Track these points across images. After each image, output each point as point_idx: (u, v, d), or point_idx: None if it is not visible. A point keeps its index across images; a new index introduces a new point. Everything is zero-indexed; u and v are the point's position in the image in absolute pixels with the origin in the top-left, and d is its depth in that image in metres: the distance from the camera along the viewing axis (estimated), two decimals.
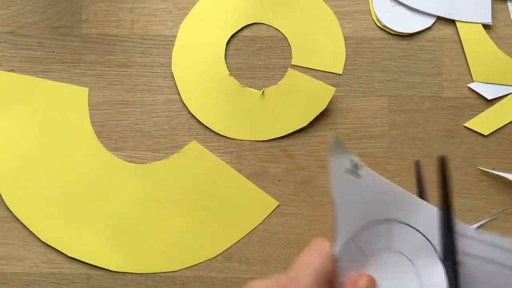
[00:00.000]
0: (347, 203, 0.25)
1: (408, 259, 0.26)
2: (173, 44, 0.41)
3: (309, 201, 0.40)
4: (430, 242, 0.26)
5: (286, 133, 0.40)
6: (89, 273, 0.39)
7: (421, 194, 0.28)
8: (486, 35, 0.41)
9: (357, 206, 0.25)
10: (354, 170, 0.25)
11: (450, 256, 0.25)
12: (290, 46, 0.41)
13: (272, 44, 0.41)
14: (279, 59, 0.41)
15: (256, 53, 0.41)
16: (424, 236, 0.26)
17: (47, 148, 0.40)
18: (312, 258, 0.24)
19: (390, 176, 0.39)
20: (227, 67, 0.41)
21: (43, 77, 0.41)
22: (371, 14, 0.42)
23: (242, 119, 0.40)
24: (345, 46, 0.41)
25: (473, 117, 0.40)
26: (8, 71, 0.41)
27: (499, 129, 0.40)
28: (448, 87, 0.41)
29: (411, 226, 0.26)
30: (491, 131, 0.40)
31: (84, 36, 0.42)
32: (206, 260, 0.39)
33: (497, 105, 0.41)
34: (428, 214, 0.26)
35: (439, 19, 0.42)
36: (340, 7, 0.42)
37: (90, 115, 0.41)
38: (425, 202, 0.26)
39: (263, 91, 0.41)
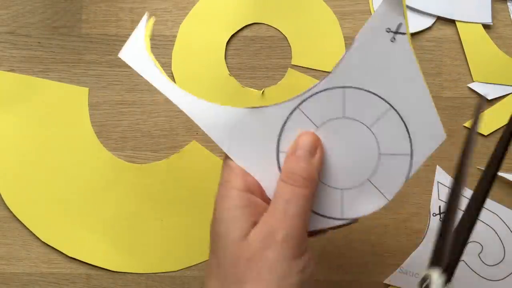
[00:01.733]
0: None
1: (365, 125, 0.25)
2: (173, 44, 0.41)
3: None
4: (394, 108, 0.25)
5: None
6: (89, 273, 0.39)
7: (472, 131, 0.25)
8: (486, 35, 0.41)
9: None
10: (395, 32, 0.24)
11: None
12: (290, 46, 0.41)
13: (272, 44, 0.41)
14: (279, 59, 0.41)
15: (256, 53, 0.41)
16: (386, 101, 0.25)
17: (47, 148, 0.40)
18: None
19: None
20: (227, 67, 0.41)
21: (43, 77, 0.41)
22: (371, 14, 0.42)
23: None
24: (345, 46, 0.41)
25: (473, 117, 0.40)
26: (8, 71, 0.41)
27: (499, 129, 0.40)
28: (448, 87, 0.41)
29: (369, 91, 0.25)
30: (491, 131, 0.40)
31: (84, 36, 0.42)
32: (206, 260, 0.39)
33: (497, 105, 0.41)
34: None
35: (439, 19, 0.42)
36: (340, 7, 0.42)
37: (90, 115, 0.41)
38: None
39: (263, 91, 0.41)
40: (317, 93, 0.25)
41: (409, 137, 0.25)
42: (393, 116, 0.25)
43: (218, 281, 0.23)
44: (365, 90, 0.25)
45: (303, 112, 0.25)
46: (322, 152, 0.25)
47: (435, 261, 0.23)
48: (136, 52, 0.26)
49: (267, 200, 0.25)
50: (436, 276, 0.23)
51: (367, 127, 0.25)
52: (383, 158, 0.25)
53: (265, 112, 0.25)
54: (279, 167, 0.25)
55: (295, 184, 0.23)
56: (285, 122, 0.25)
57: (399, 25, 0.24)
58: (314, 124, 0.25)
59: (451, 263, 0.23)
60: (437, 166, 0.40)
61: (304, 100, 0.25)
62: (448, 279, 0.23)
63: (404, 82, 0.25)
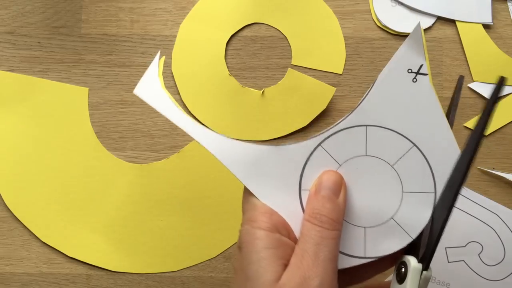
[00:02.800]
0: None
1: (388, 163, 0.25)
2: (173, 44, 0.41)
3: None
4: (417, 146, 0.25)
5: (286, 133, 0.40)
6: (89, 273, 0.39)
7: (449, 109, 0.26)
8: (486, 35, 0.41)
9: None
10: (416, 73, 0.25)
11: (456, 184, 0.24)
12: (290, 46, 0.41)
13: (272, 44, 0.41)
14: (279, 59, 0.41)
15: (256, 53, 0.41)
16: (409, 139, 0.25)
17: (47, 148, 0.40)
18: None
19: None
20: (227, 67, 0.41)
21: (43, 77, 0.41)
22: (371, 14, 0.42)
23: (242, 119, 0.40)
24: (345, 46, 0.41)
25: (473, 117, 0.40)
26: (8, 71, 0.41)
27: (499, 129, 0.40)
28: (448, 87, 0.41)
29: (391, 129, 0.25)
30: (491, 131, 0.40)
31: (84, 36, 0.42)
32: (206, 260, 0.39)
33: (497, 105, 0.40)
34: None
35: (439, 19, 0.42)
36: (340, 7, 0.42)
37: (90, 115, 0.41)
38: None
39: (263, 91, 0.41)
40: (339, 131, 0.25)
41: (432, 175, 0.25)
42: (416, 154, 0.25)
43: None
44: (388, 129, 0.25)
45: (325, 150, 0.25)
46: (346, 191, 0.25)
47: (412, 249, 0.24)
48: (151, 89, 0.26)
49: (294, 239, 0.25)
50: (414, 262, 0.23)
51: (390, 165, 0.25)
52: (406, 196, 0.25)
53: (287, 150, 0.25)
54: (301, 205, 0.25)
55: (323, 226, 0.23)
56: (307, 160, 0.25)
57: (421, 66, 0.25)
58: (337, 162, 0.25)
59: (428, 251, 0.23)
60: None
61: (326, 138, 0.25)
62: (425, 267, 0.23)
63: (426, 121, 0.25)
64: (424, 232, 0.24)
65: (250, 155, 0.25)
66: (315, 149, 0.25)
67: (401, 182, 0.25)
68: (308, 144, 0.25)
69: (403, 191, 0.25)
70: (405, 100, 0.25)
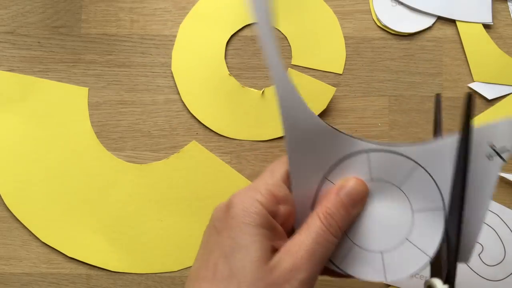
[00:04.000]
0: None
1: (395, 185, 0.25)
2: (173, 44, 0.41)
3: None
4: (419, 164, 0.25)
5: None
6: (89, 273, 0.39)
7: (436, 126, 0.27)
8: (487, 35, 0.41)
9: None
10: (497, 152, 0.25)
11: (459, 182, 0.24)
12: (290, 46, 0.41)
13: None
14: None
15: (256, 53, 0.41)
16: (411, 159, 0.25)
17: (47, 148, 0.40)
18: (281, 164, 0.25)
19: None
20: (227, 67, 0.41)
21: (42, 77, 0.41)
22: (371, 14, 0.42)
23: (242, 119, 0.40)
24: (345, 46, 0.41)
25: (473, 117, 0.40)
26: (8, 71, 0.41)
27: None
28: (448, 87, 0.41)
29: (391, 151, 0.25)
30: None
31: (83, 36, 0.42)
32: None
33: (497, 105, 0.41)
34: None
35: (440, 19, 0.42)
36: (340, 7, 0.42)
37: (90, 115, 0.41)
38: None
39: (263, 91, 0.41)
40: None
41: (439, 191, 0.25)
42: (421, 173, 0.25)
43: None
44: (388, 151, 0.25)
45: (369, 159, 0.25)
46: (362, 208, 0.25)
47: (437, 271, 0.24)
48: (261, 4, 0.25)
49: (284, 226, 0.25)
50: (440, 285, 0.23)
51: (398, 187, 0.25)
52: (406, 244, 0.25)
53: (340, 138, 0.25)
54: (316, 191, 0.25)
55: (330, 230, 0.23)
56: (348, 156, 0.25)
57: (503, 149, 0.25)
58: (370, 176, 0.25)
59: (451, 271, 0.24)
60: None
61: (376, 151, 0.25)
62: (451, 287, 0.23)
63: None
64: (442, 249, 0.24)
65: (308, 124, 0.25)
66: (362, 152, 0.25)
67: (409, 201, 0.25)
68: (360, 144, 0.25)
69: (412, 210, 0.25)
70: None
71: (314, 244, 0.23)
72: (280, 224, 0.24)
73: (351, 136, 0.25)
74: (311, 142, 0.25)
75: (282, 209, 0.24)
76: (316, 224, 0.23)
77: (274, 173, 0.25)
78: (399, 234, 0.25)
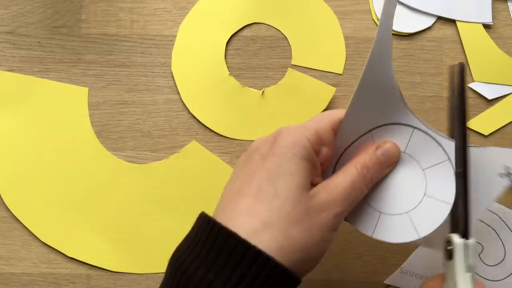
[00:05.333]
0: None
1: (420, 166, 0.28)
2: (173, 44, 0.41)
3: None
4: (449, 158, 0.27)
5: None
6: (89, 273, 0.39)
7: (462, 98, 0.28)
8: (487, 35, 0.41)
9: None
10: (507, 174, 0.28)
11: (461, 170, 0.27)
12: (290, 46, 0.41)
13: (272, 44, 0.41)
14: (279, 59, 0.41)
15: (256, 53, 0.41)
16: (444, 150, 0.27)
17: (46, 148, 0.40)
18: (332, 112, 0.28)
19: None
20: (227, 67, 0.41)
21: (42, 77, 0.41)
22: (371, 14, 0.42)
23: (242, 119, 0.40)
24: (345, 46, 0.41)
25: (473, 117, 0.40)
26: (8, 71, 0.41)
27: (499, 129, 0.40)
28: (448, 87, 0.41)
29: (432, 137, 0.27)
30: (491, 131, 0.40)
31: (83, 36, 0.42)
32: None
33: (498, 105, 0.40)
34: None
35: (440, 19, 0.42)
36: (340, 7, 0.42)
37: (90, 115, 0.41)
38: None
39: (263, 91, 0.41)
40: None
41: (443, 149, 0.28)
42: (447, 167, 0.27)
43: (263, 206, 0.24)
44: (431, 137, 0.28)
45: (412, 134, 0.28)
46: (392, 169, 0.28)
47: (453, 228, 0.27)
48: None
49: (322, 167, 0.28)
50: (457, 238, 0.26)
51: (422, 168, 0.28)
52: (426, 199, 0.27)
53: (400, 106, 0.28)
54: (353, 142, 0.28)
55: (364, 180, 0.26)
56: (396, 123, 0.28)
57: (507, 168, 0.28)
58: (405, 147, 0.28)
59: (464, 224, 0.26)
60: None
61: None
62: (467, 237, 0.26)
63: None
64: (458, 206, 0.27)
65: (385, 81, 0.27)
66: (411, 126, 0.28)
67: (426, 185, 0.27)
68: (413, 120, 0.28)
69: (425, 194, 0.27)
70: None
71: (349, 187, 0.26)
72: (319, 165, 0.27)
73: (410, 110, 0.28)
74: (378, 97, 0.27)
75: (324, 151, 0.27)
76: (353, 171, 0.26)
77: (324, 119, 0.27)
78: (418, 193, 0.27)
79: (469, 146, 0.27)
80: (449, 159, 0.27)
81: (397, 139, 0.28)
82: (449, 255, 0.26)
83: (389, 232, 0.27)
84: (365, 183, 0.26)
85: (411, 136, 0.28)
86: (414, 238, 0.27)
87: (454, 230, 0.27)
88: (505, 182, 0.27)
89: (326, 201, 0.25)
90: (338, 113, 0.28)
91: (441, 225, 0.27)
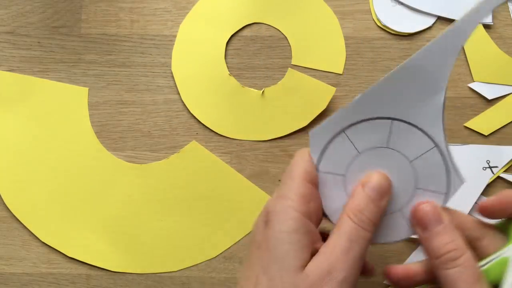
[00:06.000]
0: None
1: (407, 159, 0.26)
2: (173, 44, 0.41)
3: None
4: (436, 145, 0.25)
5: (286, 133, 0.40)
6: (89, 273, 0.39)
7: None
8: (487, 35, 0.41)
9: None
10: None
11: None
12: (290, 46, 0.41)
13: (272, 44, 0.41)
14: (279, 59, 0.41)
15: (256, 53, 0.41)
16: (432, 139, 0.25)
17: (46, 148, 0.40)
18: (297, 165, 0.26)
19: None
20: (227, 67, 0.41)
21: (42, 77, 0.41)
22: (371, 14, 0.42)
23: (242, 119, 0.40)
24: (345, 46, 0.41)
25: (473, 117, 0.40)
26: (8, 71, 0.41)
27: (499, 129, 0.40)
28: (448, 87, 0.41)
29: (416, 126, 0.25)
30: (491, 131, 0.40)
31: (83, 36, 0.42)
32: (206, 260, 0.39)
33: (498, 105, 0.40)
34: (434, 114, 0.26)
35: (440, 19, 0.42)
36: (340, 7, 0.42)
37: (90, 115, 0.41)
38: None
39: (263, 91, 0.41)
40: (363, 120, 0.26)
41: (447, 176, 0.25)
42: (436, 155, 0.25)
43: None
44: (413, 125, 0.25)
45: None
46: (389, 198, 0.25)
47: None
48: None
49: (318, 220, 0.26)
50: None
51: (409, 160, 0.26)
52: (418, 193, 0.26)
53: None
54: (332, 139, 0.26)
55: (361, 225, 0.24)
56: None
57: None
58: (357, 150, 0.26)
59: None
60: None
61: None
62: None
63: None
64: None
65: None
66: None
67: (415, 178, 0.26)
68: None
69: (415, 187, 0.26)
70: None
71: (347, 243, 0.23)
72: (315, 221, 0.25)
73: (443, 120, 0.26)
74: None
75: (313, 205, 0.25)
76: (347, 222, 0.24)
77: (293, 176, 0.25)
78: (408, 187, 0.26)
79: (451, 145, 0.26)
80: (436, 145, 0.25)
81: (375, 134, 0.26)
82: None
83: (384, 233, 0.26)
84: (364, 228, 0.24)
85: (390, 129, 0.26)
86: (409, 234, 0.26)
87: None
88: (488, 173, 0.27)
89: (325, 271, 0.22)
90: (302, 165, 0.26)
91: (391, 242, 0.26)
